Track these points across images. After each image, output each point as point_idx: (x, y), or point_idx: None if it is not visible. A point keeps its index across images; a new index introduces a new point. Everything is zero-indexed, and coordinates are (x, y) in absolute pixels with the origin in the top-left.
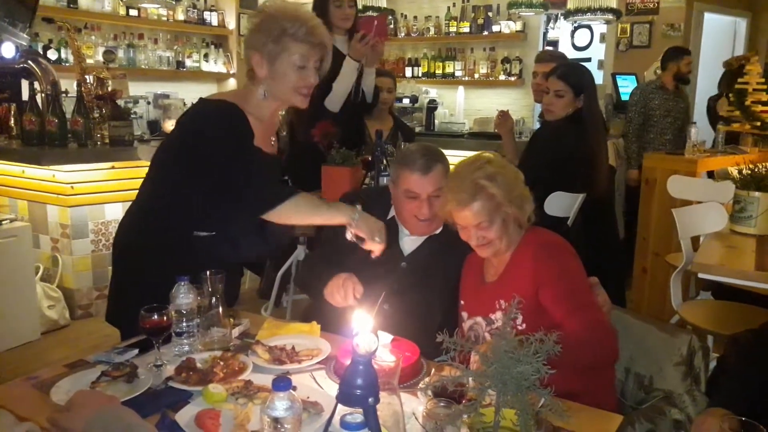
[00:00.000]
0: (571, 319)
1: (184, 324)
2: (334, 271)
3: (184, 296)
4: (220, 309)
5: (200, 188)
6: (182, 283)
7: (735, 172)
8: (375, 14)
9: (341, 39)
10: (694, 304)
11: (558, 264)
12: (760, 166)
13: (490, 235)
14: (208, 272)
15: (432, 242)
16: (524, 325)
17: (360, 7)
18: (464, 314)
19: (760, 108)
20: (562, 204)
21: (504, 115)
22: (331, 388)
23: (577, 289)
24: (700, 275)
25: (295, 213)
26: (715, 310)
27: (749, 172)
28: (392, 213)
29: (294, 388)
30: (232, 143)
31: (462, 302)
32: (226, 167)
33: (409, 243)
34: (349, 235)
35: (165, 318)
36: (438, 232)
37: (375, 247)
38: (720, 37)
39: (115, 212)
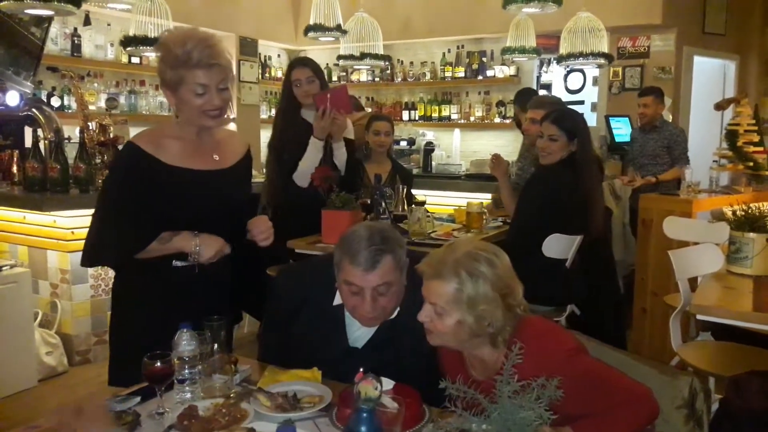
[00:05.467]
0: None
1: (186, 371)
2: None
3: (186, 343)
4: (222, 355)
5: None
6: (185, 330)
7: (729, 213)
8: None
9: (311, 114)
10: (694, 346)
11: (570, 376)
12: (754, 207)
13: (439, 325)
14: (210, 318)
15: (389, 326)
16: None
17: (358, 54)
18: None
19: (752, 149)
20: (559, 246)
21: (497, 159)
22: None
23: (597, 388)
24: (699, 317)
25: (146, 253)
26: (715, 351)
27: (743, 213)
28: (339, 299)
29: None
30: (114, 187)
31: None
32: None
33: (362, 335)
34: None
35: (168, 365)
36: (394, 316)
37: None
38: (710, 79)
39: None
